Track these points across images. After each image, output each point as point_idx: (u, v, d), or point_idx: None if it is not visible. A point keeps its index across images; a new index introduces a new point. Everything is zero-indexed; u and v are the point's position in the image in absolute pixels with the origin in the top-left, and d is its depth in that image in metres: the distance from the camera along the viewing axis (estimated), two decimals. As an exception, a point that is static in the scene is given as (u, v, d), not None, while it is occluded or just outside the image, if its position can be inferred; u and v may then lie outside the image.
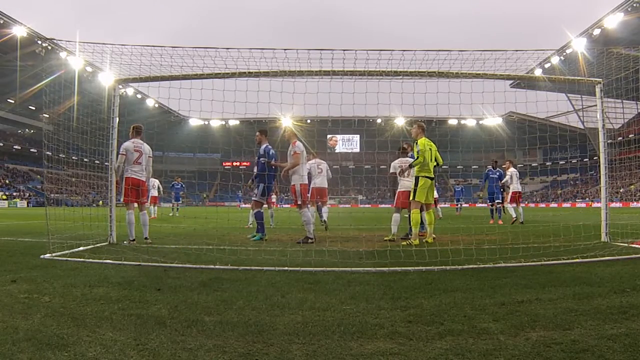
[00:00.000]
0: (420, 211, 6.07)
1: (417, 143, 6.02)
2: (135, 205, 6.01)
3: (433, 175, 6.01)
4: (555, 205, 47.93)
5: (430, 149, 5.99)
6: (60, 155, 6.18)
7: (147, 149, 6.18)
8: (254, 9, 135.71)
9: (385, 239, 6.39)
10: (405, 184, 6.48)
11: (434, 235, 6.17)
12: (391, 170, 6.91)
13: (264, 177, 6.53)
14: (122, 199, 5.92)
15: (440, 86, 5.47)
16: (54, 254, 4.52)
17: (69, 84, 6.51)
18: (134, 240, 5.75)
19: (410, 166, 6.14)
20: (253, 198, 6.95)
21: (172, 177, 17.26)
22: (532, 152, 63.66)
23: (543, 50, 6.34)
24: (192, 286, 3.15)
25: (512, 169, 10.32)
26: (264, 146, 6.79)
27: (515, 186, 10.18)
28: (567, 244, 5.14)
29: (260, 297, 2.83)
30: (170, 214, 15.82)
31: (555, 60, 33.73)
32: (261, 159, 6.71)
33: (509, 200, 10.27)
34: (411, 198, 5.97)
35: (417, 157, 5.87)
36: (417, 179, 5.92)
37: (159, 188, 14.56)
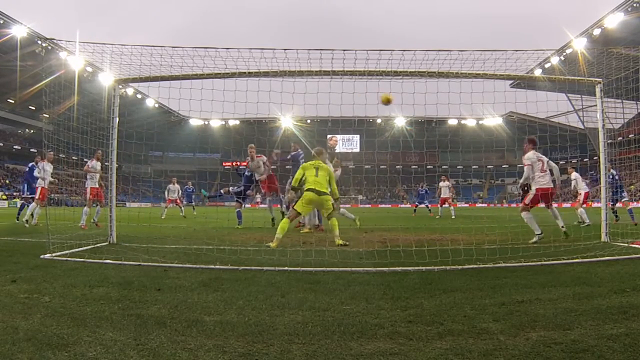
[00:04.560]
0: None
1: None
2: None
3: (321, 190, 5.79)
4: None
5: (317, 167, 5.99)
6: (61, 155, 6.18)
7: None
8: (256, 8, 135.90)
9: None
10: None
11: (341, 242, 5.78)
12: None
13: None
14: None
15: (440, 86, 5.47)
16: (54, 254, 4.52)
17: (69, 84, 6.50)
18: None
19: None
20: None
21: (172, 177, 17.65)
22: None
23: (543, 50, 6.34)
24: (192, 286, 3.15)
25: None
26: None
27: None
28: (567, 244, 5.14)
29: (260, 297, 2.83)
30: (194, 214, 17.91)
31: (555, 60, 33.69)
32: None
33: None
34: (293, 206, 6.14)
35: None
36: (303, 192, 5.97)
37: (178, 191, 16.61)
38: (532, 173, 6.40)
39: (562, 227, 6.43)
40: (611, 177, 10.79)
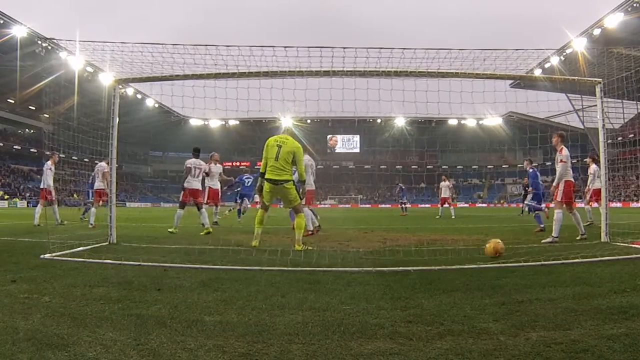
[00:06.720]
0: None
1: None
2: None
3: (278, 178, 5.02)
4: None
5: (280, 145, 5.09)
6: (61, 155, 6.17)
7: None
8: (257, 7, 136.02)
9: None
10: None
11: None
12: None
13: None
14: None
15: (440, 86, 5.48)
16: (54, 254, 4.51)
17: (69, 84, 6.51)
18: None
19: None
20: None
21: (172, 177, 17.51)
22: (532, 152, 63.46)
23: (543, 49, 6.32)
24: (192, 286, 3.15)
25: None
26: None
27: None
28: (567, 244, 5.13)
29: (260, 297, 2.83)
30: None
31: (555, 60, 33.70)
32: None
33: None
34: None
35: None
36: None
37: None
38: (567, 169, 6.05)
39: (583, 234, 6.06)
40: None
